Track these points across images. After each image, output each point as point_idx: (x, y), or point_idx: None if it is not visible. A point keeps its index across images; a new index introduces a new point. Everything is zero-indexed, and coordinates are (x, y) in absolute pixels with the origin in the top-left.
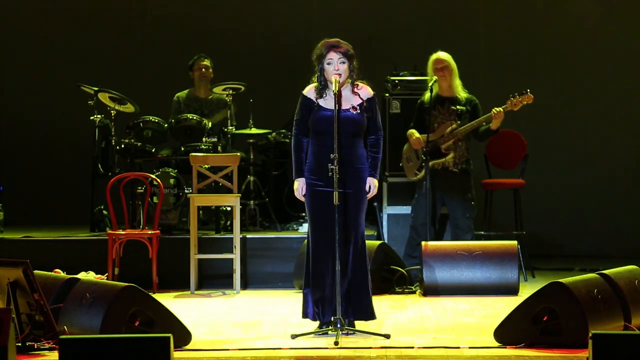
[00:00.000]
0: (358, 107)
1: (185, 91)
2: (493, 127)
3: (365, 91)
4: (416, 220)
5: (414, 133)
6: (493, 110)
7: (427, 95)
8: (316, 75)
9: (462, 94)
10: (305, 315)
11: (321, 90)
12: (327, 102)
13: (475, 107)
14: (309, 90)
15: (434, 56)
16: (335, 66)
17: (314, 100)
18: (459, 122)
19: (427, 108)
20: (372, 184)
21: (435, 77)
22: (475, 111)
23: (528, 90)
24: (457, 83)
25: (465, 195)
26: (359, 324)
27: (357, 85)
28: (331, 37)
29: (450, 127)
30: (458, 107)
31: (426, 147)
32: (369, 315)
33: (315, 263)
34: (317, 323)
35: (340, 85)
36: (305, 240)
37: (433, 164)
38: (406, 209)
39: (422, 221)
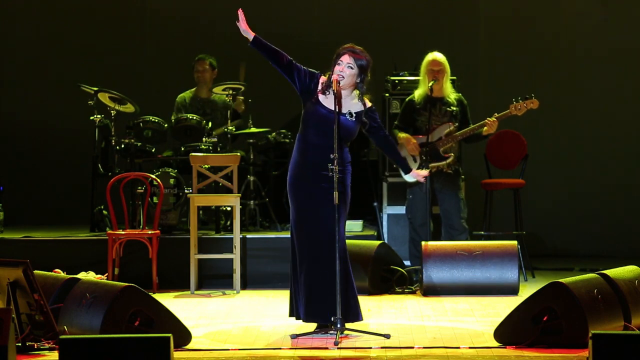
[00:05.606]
0: (355, 115)
1: (189, 91)
2: (484, 133)
3: (366, 102)
4: (415, 221)
5: (410, 139)
6: (487, 119)
7: (418, 93)
8: (328, 73)
9: (452, 94)
10: (292, 314)
11: (326, 87)
12: (325, 101)
13: (465, 107)
14: (320, 78)
15: (430, 57)
16: (341, 67)
17: (318, 88)
18: (456, 124)
19: (418, 108)
20: (419, 174)
21: (432, 81)
22: (465, 111)
23: (532, 94)
24: (448, 84)
25: (457, 196)
26: (357, 325)
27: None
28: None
29: (448, 129)
30: (452, 108)
31: (427, 147)
32: (358, 316)
33: (299, 262)
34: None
35: (340, 88)
36: None
37: (430, 167)
38: None
39: (420, 222)
